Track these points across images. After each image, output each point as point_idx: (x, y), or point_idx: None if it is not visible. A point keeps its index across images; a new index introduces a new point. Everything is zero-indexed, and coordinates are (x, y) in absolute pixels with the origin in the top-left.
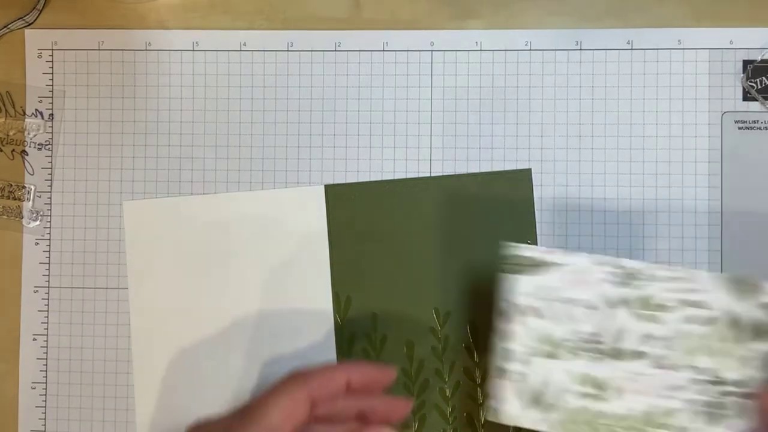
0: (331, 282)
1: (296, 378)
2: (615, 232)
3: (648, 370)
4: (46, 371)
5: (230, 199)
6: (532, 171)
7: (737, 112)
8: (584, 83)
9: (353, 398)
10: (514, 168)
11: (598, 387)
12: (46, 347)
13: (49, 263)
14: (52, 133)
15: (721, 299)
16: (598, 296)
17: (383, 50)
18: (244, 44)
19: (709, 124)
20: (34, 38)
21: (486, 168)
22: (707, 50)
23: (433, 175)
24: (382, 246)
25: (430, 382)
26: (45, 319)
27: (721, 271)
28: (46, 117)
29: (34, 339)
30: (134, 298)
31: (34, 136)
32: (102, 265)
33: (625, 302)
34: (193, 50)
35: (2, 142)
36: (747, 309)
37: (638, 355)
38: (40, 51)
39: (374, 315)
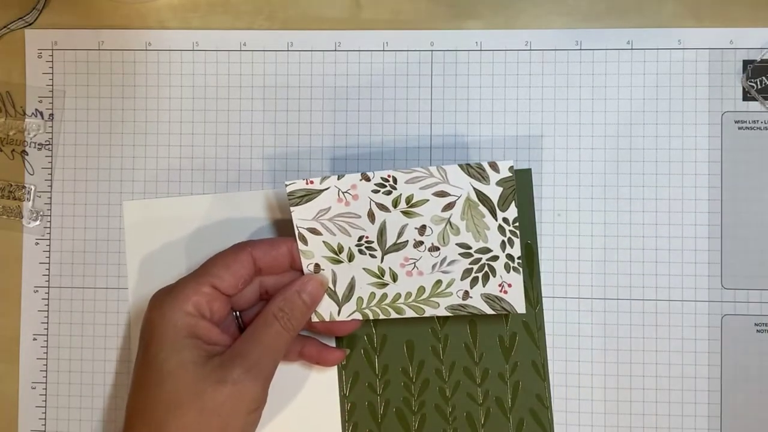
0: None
1: (240, 244)
2: (615, 231)
3: (420, 254)
4: (46, 371)
5: (230, 199)
6: (533, 171)
7: (737, 112)
8: (584, 83)
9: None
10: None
11: (382, 275)
12: (46, 347)
13: (49, 263)
14: (52, 133)
15: (464, 184)
16: (368, 205)
17: (383, 50)
18: (244, 44)
19: (709, 124)
20: (34, 38)
21: None
22: (707, 50)
23: None
24: None
25: (430, 382)
26: (45, 319)
27: (721, 272)
28: (46, 117)
29: (34, 339)
30: (134, 298)
31: (34, 136)
32: (102, 265)
33: (393, 204)
34: (193, 50)
35: (2, 142)
36: (486, 188)
37: (411, 243)
38: (40, 51)
39: None
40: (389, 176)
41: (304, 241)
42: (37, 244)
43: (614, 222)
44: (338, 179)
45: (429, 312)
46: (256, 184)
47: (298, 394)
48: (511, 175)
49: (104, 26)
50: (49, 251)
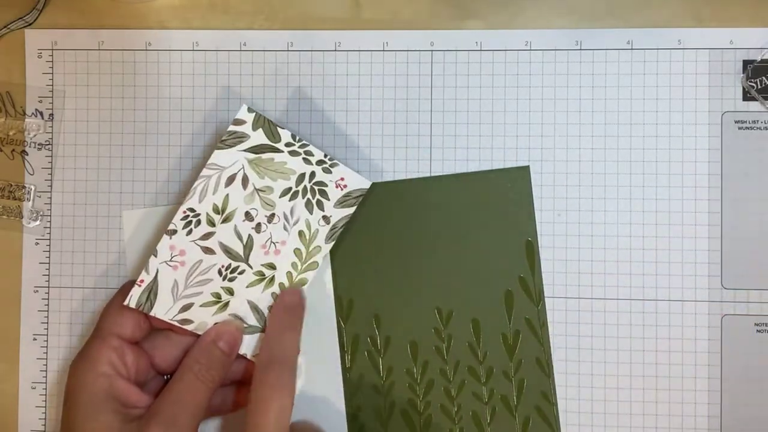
0: (332, 285)
1: (125, 285)
2: (615, 231)
3: (267, 232)
4: (46, 371)
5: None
6: (533, 171)
7: (737, 112)
8: (584, 83)
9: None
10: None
11: (263, 275)
12: (46, 347)
13: (49, 263)
14: (52, 133)
15: (234, 156)
16: (195, 246)
17: (383, 50)
18: (244, 44)
19: (709, 124)
20: (34, 38)
21: (486, 168)
22: (707, 50)
23: (433, 175)
24: (382, 247)
25: (435, 382)
26: (45, 319)
27: (721, 272)
28: (46, 117)
29: (34, 339)
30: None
31: (34, 136)
32: (102, 265)
33: (210, 224)
34: (193, 50)
35: (2, 142)
36: (251, 140)
37: (254, 233)
38: (40, 51)
39: (377, 317)
40: (185, 211)
41: (187, 322)
42: (37, 244)
43: (614, 222)
44: (155, 256)
45: (320, 258)
46: None
47: (302, 398)
48: (253, 113)
49: (104, 26)
50: (49, 251)
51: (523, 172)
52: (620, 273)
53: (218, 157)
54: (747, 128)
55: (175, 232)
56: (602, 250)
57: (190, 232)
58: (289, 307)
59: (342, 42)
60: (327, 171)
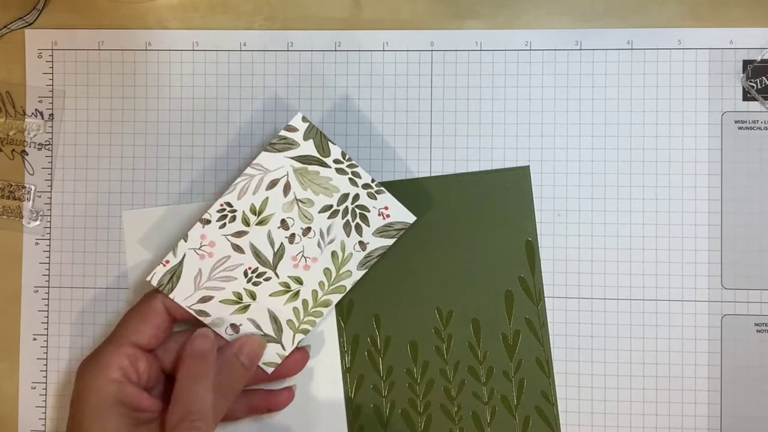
0: None
1: (149, 294)
2: (615, 231)
3: (301, 245)
4: (46, 371)
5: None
6: (533, 171)
7: (737, 112)
8: (584, 83)
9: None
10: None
11: (289, 287)
12: (46, 347)
13: (49, 263)
14: (52, 133)
15: (280, 162)
16: (226, 241)
17: (383, 50)
18: (244, 44)
19: (709, 124)
20: (34, 38)
21: (486, 168)
22: (707, 50)
23: (433, 175)
24: None
25: (435, 382)
26: (45, 319)
27: (721, 272)
28: (46, 117)
29: (34, 339)
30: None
31: (34, 136)
32: (102, 265)
33: (244, 223)
34: (193, 50)
35: (2, 142)
36: (300, 150)
37: (287, 242)
38: (40, 51)
39: (377, 317)
40: (222, 205)
41: (204, 314)
42: (37, 244)
43: (614, 222)
44: (185, 241)
45: (349, 283)
46: None
47: (303, 399)
48: (307, 123)
49: (104, 26)
50: (49, 251)
51: (523, 172)
52: (620, 273)
53: (264, 158)
54: (747, 128)
55: (208, 222)
56: (602, 250)
57: (223, 226)
58: (199, 355)
59: (342, 42)
60: (372, 197)
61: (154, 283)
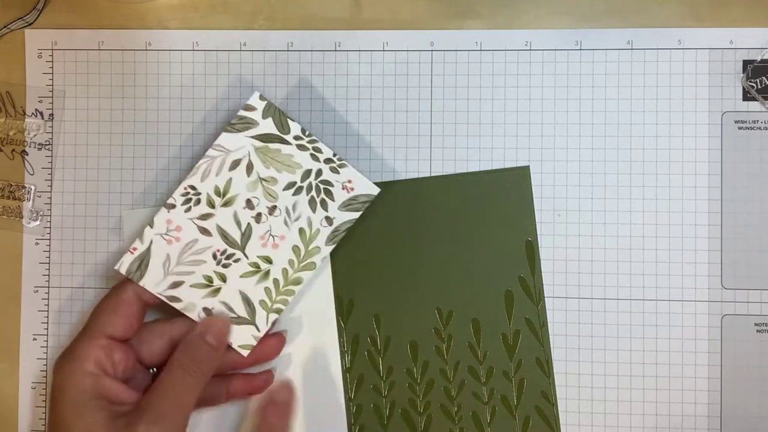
0: (333, 286)
1: (120, 284)
2: (615, 231)
3: (267, 223)
4: (46, 371)
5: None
6: (533, 171)
7: (737, 112)
8: (584, 83)
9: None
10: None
11: (259, 267)
12: (46, 347)
13: (49, 263)
14: (52, 133)
15: (241, 141)
16: (193, 224)
17: (383, 50)
18: (244, 44)
19: (709, 124)
20: (34, 38)
21: (486, 168)
22: (707, 50)
23: (433, 175)
24: (383, 247)
25: (435, 382)
26: (45, 319)
27: (721, 272)
28: (46, 117)
29: (34, 339)
30: None
31: (34, 136)
32: (102, 265)
33: (209, 205)
34: (193, 50)
35: (2, 142)
36: (259, 128)
37: (253, 221)
38: (40, 51)
39: (377, 317)
40: (185, 188)
41: (176, 300)
42: (37, 244)
43: (614, 222)
44: (150, 227)
45: (318, 259)
46: None
47: (303, 398)
48: (265, 101)
49: (104, 26)
50: (49, 251)
51: (523, 172)
52: (620, 273)
53: (225, 139)
54: (747, 128)
55: (173, 206)
56: (602, 250)
57: (188, 210)
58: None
59: (342, 42)
60: (335, 171)
61: (123, 271)
